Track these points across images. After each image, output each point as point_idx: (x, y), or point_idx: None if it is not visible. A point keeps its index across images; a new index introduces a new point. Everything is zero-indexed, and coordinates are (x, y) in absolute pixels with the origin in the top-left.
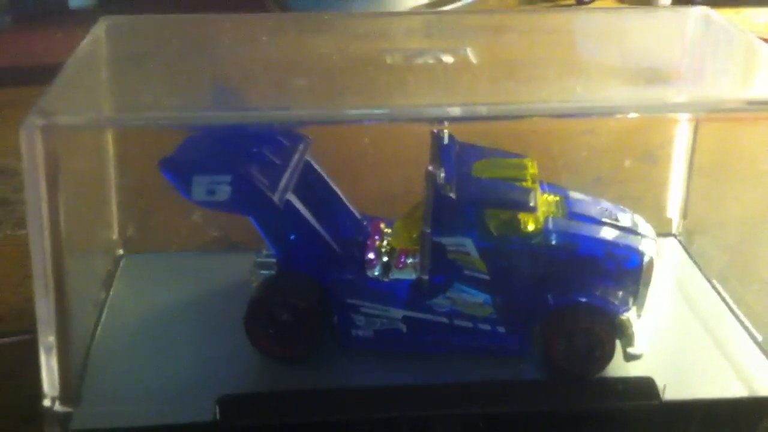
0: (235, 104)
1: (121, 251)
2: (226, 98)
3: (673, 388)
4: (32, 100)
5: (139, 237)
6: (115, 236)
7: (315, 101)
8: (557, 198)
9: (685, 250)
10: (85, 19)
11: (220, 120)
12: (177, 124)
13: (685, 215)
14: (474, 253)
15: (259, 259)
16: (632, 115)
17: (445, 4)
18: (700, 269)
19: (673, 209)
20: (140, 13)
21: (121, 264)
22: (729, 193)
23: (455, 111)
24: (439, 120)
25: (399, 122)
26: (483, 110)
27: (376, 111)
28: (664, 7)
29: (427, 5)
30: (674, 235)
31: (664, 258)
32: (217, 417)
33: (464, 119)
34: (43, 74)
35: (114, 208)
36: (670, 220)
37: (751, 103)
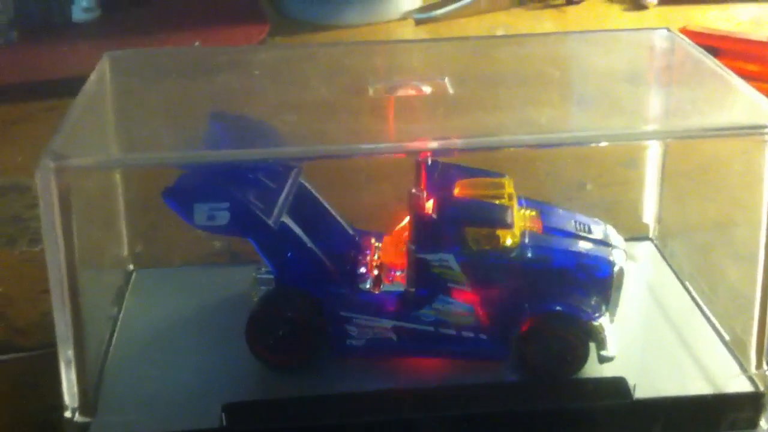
0: (233, 134)
1: (131, 266)
2: (224, 129)
3: (644, 387)
4: (40, 115)
5: (148, 252)
6: (125, 253)
7: (305, 135)
8: (533, 212)
9: (660, 253)
10: (88, 32)
11: (218, 158)
12: (178, 163)
13: (659, 220)
14: (456, 267)
15: (258, 276)
16: (602, 144)
17: (439, 8)
18: (673, 271)
19: (649, 214)
20: (140, 24)
21: (132, 278)
22: (699, 199)
23: (433, 144)
24: (420, 153)
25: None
26: (458, 143)
27: (362, 146)
28: (630, 31)
29: (420, 9)
30: (650, 239)
31: (640, 261)
32: (223, 423)
33: (441, 152)
34: (49, 89)
35: (123, 225)
36: (646, 225)
37: (712, 130)
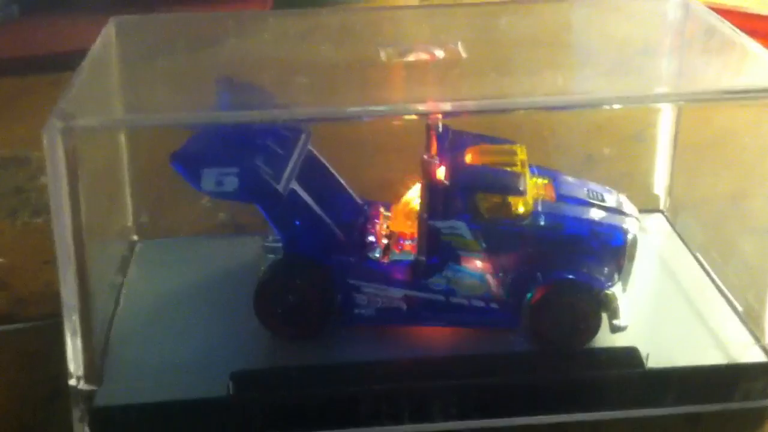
0: (240, 99)
1: (135, 237)
2: (230, 94)
3: (657, 357)
4: (41, 89)
5: (152, 223)
6: (129, 223)
7: (316, 99)
8: (546, 181)
9: (671, 225)
10: (89, 5)
11: (226, 119)
12: (186, 123)
13: (670, 192)
14: (467, 235)
15: (266, 244)
16: (616, 106)
17: None
18: (684, 243)
19: (660, 186)
20: None
21: (136, 249)
22: (711, 171)
23: (446, 106)
24: (431, 114)
25: (394, 117)
26: (471, 105)
27: (373, 108)
28: None
29: None
30: (661, 211)
31: (651, 233)
32: (231, 392)
33: (453, 113)
34: (50, 63)
35: (128, 195)
36: (657, 197)
37: (727, 92)
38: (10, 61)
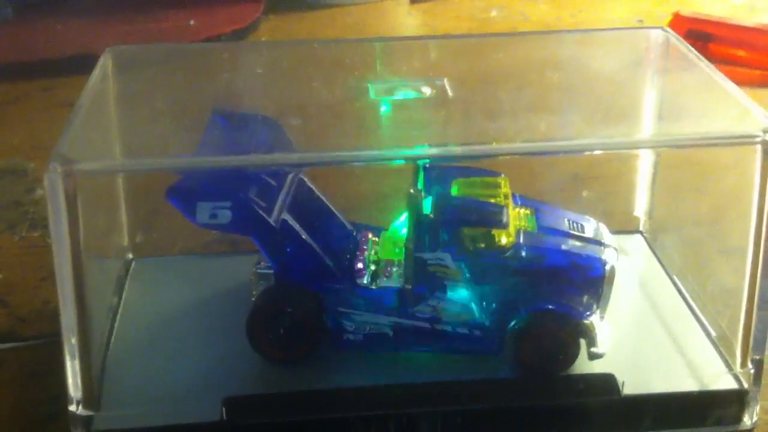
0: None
1: (130, 255)
2: (225, 130)
3: (633, 384)
4: (36, 95)
5: (147, 240)
6: (125, 242)
7: (307, 138)
8: (528, 211)
9: (650, 247)
10: (84, 9)
11: (222, 164)
12: (184, 169)
13: (650, 214)
14: (452, 266)
15: (258, 270)
16: (596, 152)
17: None
18: (662, 266)
19: (640, 207)
20: (136, 1)
21: (131, 268)
22: (691, 195)
23: (433, 151)
24: (419, 159)
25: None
26: (457, 150)
27: (361, 153)
28: (626, 29)
29: None
30: (641, 232)
31: (630, 255)
32: (223, 417)
33: (440, 157)
34: (45, 68)
35: (124, 215)
36: (637, 218)
37: (702, 138)
38: (3, 65)
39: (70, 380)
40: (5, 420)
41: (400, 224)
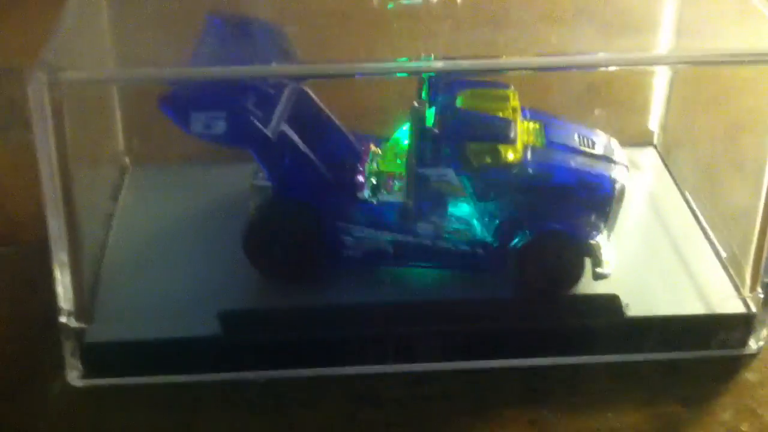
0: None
1: (127, 160)
2: (221, 34)
3: (638, 306)
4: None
5: (145, 148)
6: (120, 147)
7: (307, 48)
8: (537, 126)
9: (663, 161)
10: None
11: (217, 75)
12: (176, 79)
13: (665, 127)
14: (455, 182)
15: (255, 183)
16: (612, 68)
17: None
18: (675, 182)
19: (655, 121)
20: None
21: (128, 175)
22: (707, 109)
23: (438, 65)
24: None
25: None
26: (464, 64)
27: (365, 65)
28: None
29: None
30: (654, 146)
31: (642, 169)
32: (218, 331)
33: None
34: None
35: (119, 119)
36: (651, 132)
37: (722, 56)
38: None
39: (60, 291)
40: (2, 324)
41: (403, 133)
